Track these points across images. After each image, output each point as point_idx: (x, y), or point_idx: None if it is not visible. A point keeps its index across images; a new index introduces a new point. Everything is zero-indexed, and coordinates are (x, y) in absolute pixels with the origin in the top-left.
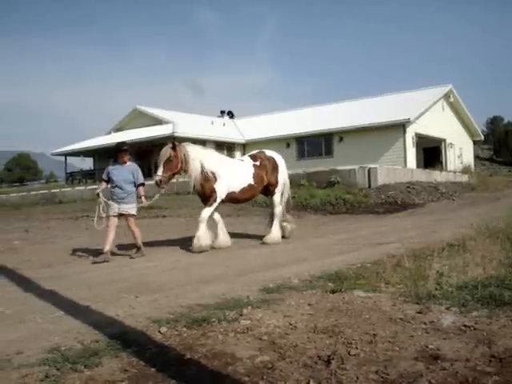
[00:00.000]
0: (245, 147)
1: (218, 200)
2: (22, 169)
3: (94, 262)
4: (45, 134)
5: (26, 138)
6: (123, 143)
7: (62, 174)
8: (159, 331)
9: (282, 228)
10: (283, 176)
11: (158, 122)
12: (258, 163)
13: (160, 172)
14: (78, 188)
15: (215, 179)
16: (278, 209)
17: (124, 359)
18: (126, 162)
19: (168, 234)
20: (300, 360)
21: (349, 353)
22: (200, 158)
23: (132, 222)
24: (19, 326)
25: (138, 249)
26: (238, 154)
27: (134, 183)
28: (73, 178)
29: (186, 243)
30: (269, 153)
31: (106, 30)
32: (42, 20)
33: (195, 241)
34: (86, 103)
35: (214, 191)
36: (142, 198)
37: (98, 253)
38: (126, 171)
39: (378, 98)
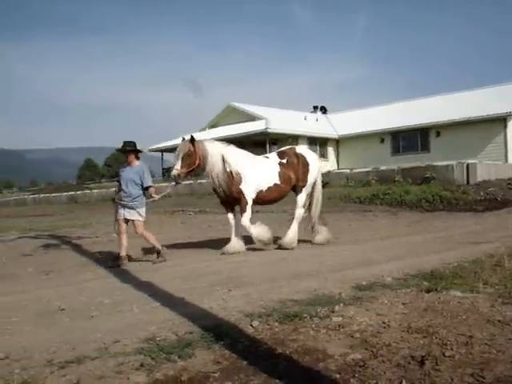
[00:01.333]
0: (338, 143)
1: (250, 201)
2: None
3: (109, 267)
4: (143, 130)
5: (125, 134)
6: (129, 142)
7: (159, 169)
8: (251, 325)
9: (319, 233)
10: (313, 175)
11: (251, 118)
12: (284, 161)
13: (178, 166)
14: (173, 183)
15: (241, 179)
16: (299, 210)
17: (216, 351)
18: (133, 163)
19: None
20: (392, 359)
21: (443, 354)
22: (221, 156)
23: (139, 228)
24: (117, 316)
25: (158, 253)
26: (330, 149)
27: (142, 186)
28: (169, 173)
29: (278, 238)
30: (299, 149)
31: (204, 28)
32: (136, 20)
33: (262, 238)
34: (183, 100)
35: (241, 193)
36: (153, 194)
37: (117, 257)
38: (132, 172)
39: (477, 90)
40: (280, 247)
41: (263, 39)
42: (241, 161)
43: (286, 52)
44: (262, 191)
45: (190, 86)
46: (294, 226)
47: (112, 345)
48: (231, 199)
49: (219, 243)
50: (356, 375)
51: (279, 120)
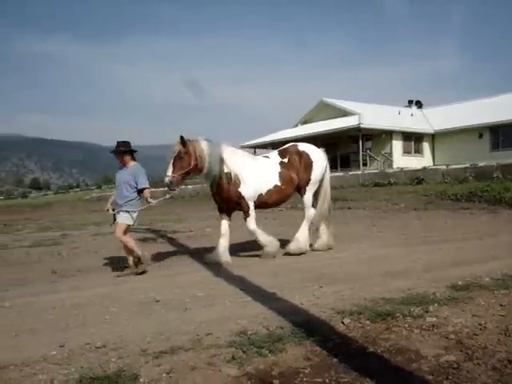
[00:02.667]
0: (433, 138)
1: (251, 205)
2: None
3: (118, 276)
4: (236, 127)
5: (219, 131)
6: (123, 143)
7: None
8: (342, 322)
9: (320, 237)
10: (318, 173)
11: (344, 113)
12: (285, 160)
13: (169, 172)
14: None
15: (240, 182)
16: (310, 211)
17: (307, 347)
18: (127, 164)
19: (352, 225)
20: (488, 362)
21: None
22: (220, 156)
23: (119, 230)
24: (210, 309)
25: (139, 259)
26: (425, 145)
27: (136, 188)
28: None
29: (370, 235)
30: (302, 147)
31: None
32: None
33: (270, 248)
34: (275, 97)
35: (241, 197)
36: (149, 199)
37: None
38: (127, 174)
39: None
40: (288, 253)
41: (354, 32)
42: (240, 162)
43: (378, 45)
44: (261, 194)
45: (282, 82)
46: (304, 229)
47: (205, 337)
48: (231, 204)
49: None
50: (449, 377)
51: (372, 115)
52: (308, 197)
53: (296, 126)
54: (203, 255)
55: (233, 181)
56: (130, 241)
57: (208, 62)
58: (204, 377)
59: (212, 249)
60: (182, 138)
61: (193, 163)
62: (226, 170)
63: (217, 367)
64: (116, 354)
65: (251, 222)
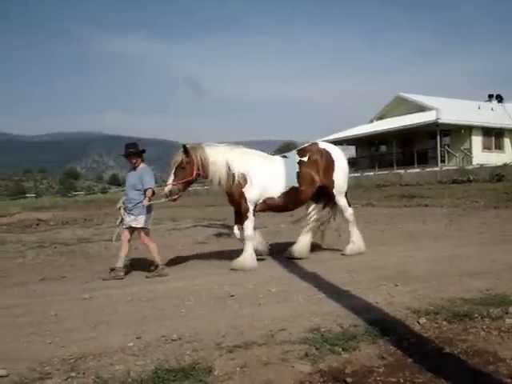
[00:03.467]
0: None
1: (251, 207)
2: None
3: (104, 279)
4: (309, 123)
5: (292, 127)
6: (132, 145)
7: None
8: (418, 322)
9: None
10: (342, 173)
11: (421, 108)
12: (305, 159)
13: (170, 180)
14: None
15: (245, 182)
16: (348, 212)
17: (381, 346)
18: (136, 166)
19: (429, 223)
20: None
21: None
22: (225, 160)
23: (142, 236)
24: (283, 305)
25: (156, 266)
26: (507, 141)
27: (144, 191)
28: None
29: (448, 234)
30: (323, 145)
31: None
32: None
33: (239, 260)
34: (349, 92)
35: (242, 197)
36: (144, 200)
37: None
38: (135, 177)
39: None
40: (344, 254)
41: (431, 25)
42: (247, 162)
43: (456, 38)
44: (273, 198)
45: (357, 77)
46: (354, 231)
47: (278, 332)
48: (235, 203)
49: (383, 237)
50: None
51: (451, 110)
52: (340, 198)
53: (371, 121)
54: (276, 251)
55: (237, 180)
56: (153, 247)
57: (284, 58)
58: (277, 372)
59: (285, 245)
60: (184, 146)
61: (195, 172)
62: (232, 171)
63: (289, 363)
64: (191, 346)
65: (249, 227)
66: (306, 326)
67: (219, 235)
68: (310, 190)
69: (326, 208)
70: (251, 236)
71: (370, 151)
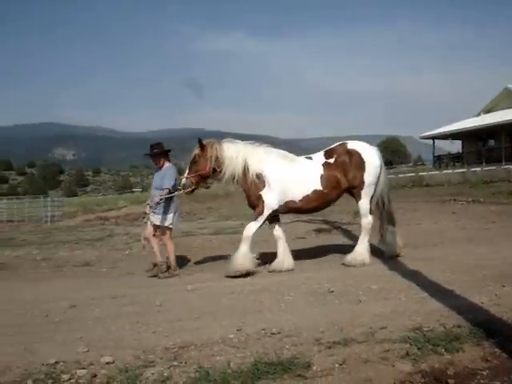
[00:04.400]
0: None
1: (267, 212)
2: (391, 152)
3: (151, 276)
4: (413, 117)
5: (395, 122)
6: (157, 145)
7: (430, 157)
8: None
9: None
10: (372, 175)
11: None
12: (331, 161)
13: (185, 174)
14: (445, 171)
15: (263, 184)
16: (366, 220)
17: (486, 348)
18: (161, 166)
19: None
20: None
21: None
22: (243, 157)
23: (163, 235)
24: (384, 303)
25: (168, 267)
26: None
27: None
28: (440, 161)
29: None
30: (352, 145)
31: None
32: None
33: (231, 262)
34: (455, 86)
35: (260, 200)
36: (155, 198)
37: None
38: (158, 177)
39: None
40: (345, 264)
41: None
42: (267, 162)
43: None
44: (294, 201)
45: (460, 68)
46: (363, 241)
47: (378, 331)
48: (251, 204)
49: (489, 235)
50: None
51: None
52: (364, 202)
53: (478, 114)
54: (379, 249)
55: (253, 182)
56: (170, 247)
57: (385, 53)
58: (376, 371)
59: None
60: (199, 140)
61: (209, 166)
62: (249, 171)
63: (390, 362)
64: (290, 341)
65: (252, 229)
66: (407, 325)
67: (319, 231)
68: (335, 193)
69: (382, 214)
70: (249, 238)
71: (477, 146)
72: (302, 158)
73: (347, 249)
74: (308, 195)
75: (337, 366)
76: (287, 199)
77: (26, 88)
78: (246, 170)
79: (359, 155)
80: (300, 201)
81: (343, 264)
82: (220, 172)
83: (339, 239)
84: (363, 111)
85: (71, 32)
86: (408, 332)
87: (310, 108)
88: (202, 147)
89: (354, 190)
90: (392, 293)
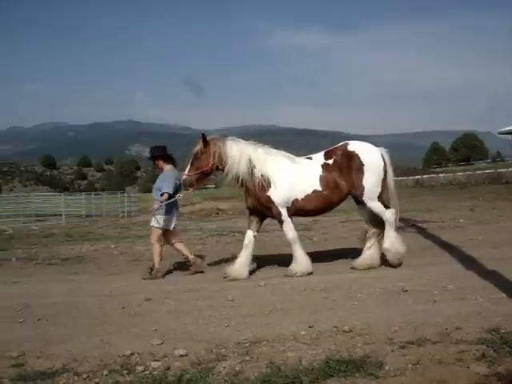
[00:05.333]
0: None
1: (284, 210)
2: (468, 148)
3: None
4: (491, 112)
5: (473, 117)
6: (155, 148)
7: (510, 152)
8: None
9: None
10: (373, 177)
11: None
12: (330, 162)
13: (186, 171)
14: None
15: (269, 184)
16: (387, 214)
17: None
18: (162, 169)
19: None
20: None
21: None
22: (247, 156)
23: (152, 235)
24: (460, 303)
25: (151, 269)
26: None
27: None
28: None
29: None
30: (352, 146)
31: None
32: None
33: (296, 266)
34: None
35: (271, 202)
36: (155, 204)
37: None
38: (158, 180)
39: None
40: (391, 265)
41: None
42: (270, 162)
43: None
44: (297, 200)
45: None
46: (390, 236)
47: (453, 331)
48: (262, 210)
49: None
50: None
51: None
52: (374, 205)
53: None
54: (457, 248)
55: (259, 183)
56: (156, 250)
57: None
58: (451, 372)
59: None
60: (203, 135)
61: (210, 164)
62: (254, 172)
63: (465, 363)
64: (362, 339)
65: (289, 230)
66: (483, 326)
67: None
68: (336, 196)
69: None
70: (294, 238)
71: None
72: (301, 159)
73: (422, 247)
74: (309, 194)
75: (410, 366)
76: (293, 198)
77: (103, 87)
78: (250, 171)
79: (358, 157)
80: (303, 200)
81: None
82: (222, 171)
83: (414, 237)
84: (438, 106)
85: (143, 33)
86: (484, 333)
87: (381, 103)
88: (206, 143)
89: (357, 195)
90: (468, 293)
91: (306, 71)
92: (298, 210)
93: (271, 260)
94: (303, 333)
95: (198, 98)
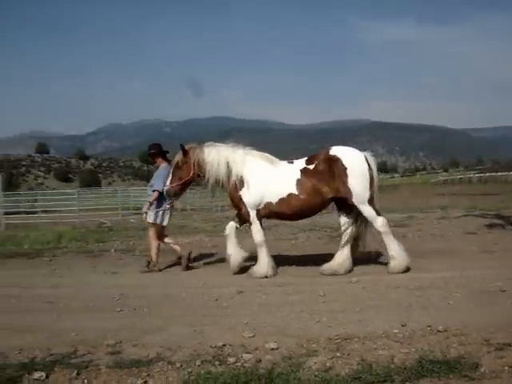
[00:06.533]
0: None
1: (253, 212)
2: None
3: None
4: None
5: None
6: (152, 145)
7: None
8: None
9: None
10: (358, 181)
11: None
12: (311, 167)
13: (168, 181)
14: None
15: (242, 185)
16: (379, 222)
17: None
18: (159, 165)
19: None
20: None
21: None
22: (225, 159)
23: (150, 231)
24: None
25: (148, 262)
26: None
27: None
28: None
29: None
30: (335, 150)
31: None
32: None
33: (258, 268)
34: None
35: (241, 201)
36: (144, 208)
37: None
38: (154, 175)
39: None
40: (390, 272)
41: None
42: (248, 163)
43: None
44: (270, 203)
45: None
46: (391, 243)
47: None
48: (236, 209)
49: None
50: None
51: None
52: (365, 210)
53: None
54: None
55: (233, 183)
56: (153, 245)
57: None
58: None
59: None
60: (182, 146)
61: (191, 173)
62: (231, 173)
63: None
64: (457, 340)
65: (256, 233)
66: None
67: (491, 226)
68: (315, 201)
69: (358, 220)
70: (261, 242)
71: None
72: (283, 162)
73: None
74: (284, 198)
75: (507, 368)
76: (266, 200)
77: (202, 84)
78: (229, 174)
79: (340, 162)
80: (277, 203)
81: (389, 271)
82: (203, 177)
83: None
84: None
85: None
86: None
87: (479, 97)
88: (185, 153)
89: (346, 199)
90: None
91: (399, 64)
92: (271, 212)
93: (364, 258)
94: (395, 331)
95: (293, 93)
